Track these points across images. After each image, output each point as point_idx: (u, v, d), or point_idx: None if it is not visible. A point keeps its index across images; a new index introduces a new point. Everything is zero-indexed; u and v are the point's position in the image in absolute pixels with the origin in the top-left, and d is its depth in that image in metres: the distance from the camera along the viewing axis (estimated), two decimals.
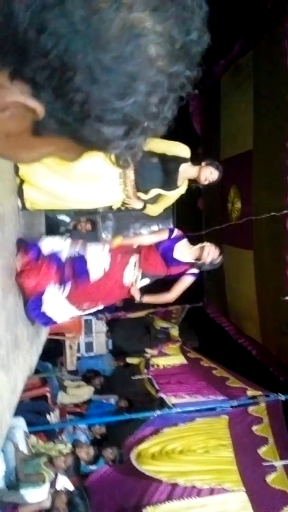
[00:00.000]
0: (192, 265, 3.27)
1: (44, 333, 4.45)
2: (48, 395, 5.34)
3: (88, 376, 6.24)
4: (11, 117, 0.46)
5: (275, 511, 3.45)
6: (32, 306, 3.09)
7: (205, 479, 3.63)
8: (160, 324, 7.57)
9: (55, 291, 3.06)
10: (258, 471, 3.79)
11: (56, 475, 3.67)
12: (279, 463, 3.90)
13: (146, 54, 0.43)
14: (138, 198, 3.19)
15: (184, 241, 3.29)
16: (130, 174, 3.09)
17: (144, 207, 3.27)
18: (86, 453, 4.22)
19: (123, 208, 3.37)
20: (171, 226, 7.80)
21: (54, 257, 3.14)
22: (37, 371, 4.74)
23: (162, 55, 0.45)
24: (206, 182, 3.23)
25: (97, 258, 3.15)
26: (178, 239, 3.27)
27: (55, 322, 3.38)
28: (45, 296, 3.07)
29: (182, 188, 3.26)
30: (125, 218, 7.59)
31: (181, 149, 3.15)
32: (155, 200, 3.29)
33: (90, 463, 4.22)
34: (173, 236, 3.28)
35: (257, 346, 6.13)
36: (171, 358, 6.38)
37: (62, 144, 0.50)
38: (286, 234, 4.76)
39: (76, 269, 3.11)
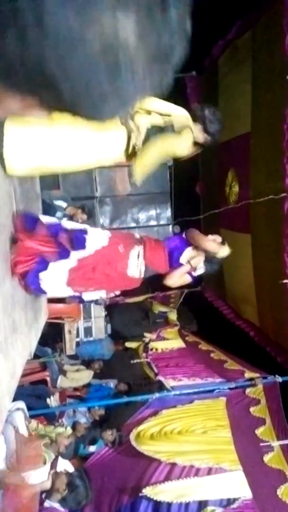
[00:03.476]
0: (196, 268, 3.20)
1: (42, 318, 4.47)
2: (48, 379, 5.39)
3: (87, 360, 6.30)
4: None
5: (272, 489, 3.52)
6: (31, 278, 2.98)
7: (203, 459, 3.68)
8: (158, 308, 7.61)
9: (58, 264, 2.96)
10: (256, 451, 3.85)
11: (56, 457, 3.73)
12: (276, 443, 3.96)
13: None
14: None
15: (191, 248, 3.15)
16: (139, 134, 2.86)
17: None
18: (84, 428, 4.29)
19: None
20: (169, 210, 7.78)
21: (52, 226, 3.05)
22: (36, 356, 4.78)
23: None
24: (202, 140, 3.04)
25: (97, 235, 3.06)
26: (186, 243, 3.15)
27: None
28: (43, 273, 2.96)
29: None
30: (123, 202, 7.55)
31: (187, 119, 2.99)
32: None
33: (89, 441, 4.29)
34: (184, 236, 3.18)
35: (254, 329, 6.17)
36: (169, 342, 6.42)
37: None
38: (284, 217, 4.75)
39: (74, 237, 2.99)
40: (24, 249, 2.91)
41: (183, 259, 3.12)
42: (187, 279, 3.25)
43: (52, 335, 5.90)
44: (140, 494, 3.46)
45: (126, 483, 3.69)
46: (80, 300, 3.55)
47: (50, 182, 5.97)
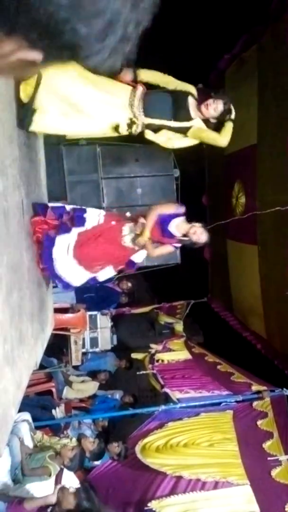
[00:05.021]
0: (179, 240, 3.59)
1: (49, 329, 4.47)
2: (54, 390, 5.37)
3: (93, 371, 6.27)
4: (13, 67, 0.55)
5: (280, 504, 3.46)
6: (45, 257, 3.42)
7: (209, 472, 3.64)
8: (164, 319, 7.58)
9: (62, 238, 3.44)
10: (263, 465, 3.80)
11: (61, 469, 3.70)
12: (283, 457, 3.90)
13: None
14: (143, 123, 3.33)
15: (182, 218, 3.57)
16: (139, 95, 3.24)
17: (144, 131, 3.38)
18: (91, 443, 4.23)
19: (127, 132, 3.37)
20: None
21: (57, 209, 3.61)
22: (42, 367, 4.77)
23: None
24: (210, 111, 3.30)
25: (95, 213, 3.56)
26: (177, 215, 3.57)
27: (66, 283, 3.63)
28: (55, 249, 3.41)
29: (197, 121, 3.35)
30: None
31: (192, 87, 3.36)
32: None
33: (95, 456, 4.24)
34: (179, 211, 3.61)
35: (261, 341, 6.13)
36: (175, 353, 6.38)
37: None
38: None
39: (75, 215, 3.50)
40: (38, 223, 3.43)
41: (172, 227, 3.55)
42: (171, 250, 3.77)
43: (58, 346, 5.90)
44: (146, 508, 3.42)
45: (131, 496, 3.65)
46: (95, 282, 3.85)
47: (58, 192, 6.01)
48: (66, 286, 3.72)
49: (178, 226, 3.53)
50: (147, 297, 8.11)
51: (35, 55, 0.54)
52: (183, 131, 3.38)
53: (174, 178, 7.33)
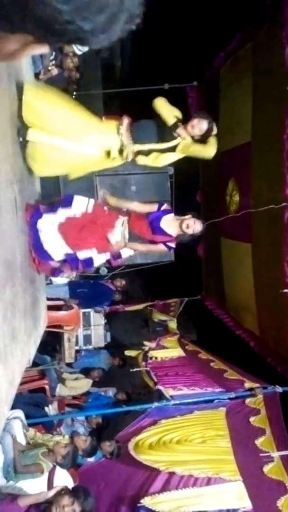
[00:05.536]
0: (176, 238, 3.67)
1: (42, 326, 4.46)
2: (47, 387, 5.36)
3: (86, 369, 6.27)
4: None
5: (272, 500, 3.48)
6: (32, 226, 3.53)
7: (202, 469, 3.65)
8: (158, 317, 7.58)
9: (49, 216, 3.56)
10: (255, 461, 3.82)
11: (54, 466, 3.69)
12: (275, 454, 3.93)
13: None
14: (133, 150, 3.58)
15: (171, 215, 3.68)
16: (125, 123, 3.51)
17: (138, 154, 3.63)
18: (83, 441, 4.23)
19: (120, 158, 3.64)
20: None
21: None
22: (35, 364, 4.75)
23: None
24: (195, 131, 3.53)
25: (83, 200, 3.67)
26: (166, 212, 3.66)
27: (49, 256, 3.69)
28: (40, 221, 3.53)
29: (183, 138, 3.56)
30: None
31: (176, 110, 3.59)
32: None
33: (88, 453, 4.24)
34: (162, 208, 3.69)
35: (255, 338, 6.15)
36: (169, 350, 6.39)
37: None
38: (284, 227, 4.76)
39: (63, 196, 3.76)
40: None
41: (163, 224, 3.64)
42: (164, 250, 3.84)
43: (51, 343, 5.88)
44: (139, 504, 3.43)
45: (123, 492, 3.65)
46: (74, 261, 3.85)
47: (51, 189, 5.98)
48: (46, 257, 3.75)
49: (168, 223, 3.61)
50: (141, 294, 8.11)
51: (43, 49, 0.56)
52: (172, 149, 3.62)
53: (168, 175, 7.32)
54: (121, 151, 3.55)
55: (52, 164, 3.62)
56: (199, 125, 3.54)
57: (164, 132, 3.55)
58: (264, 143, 5.23)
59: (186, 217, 3.63)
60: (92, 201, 3.72)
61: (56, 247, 3.61)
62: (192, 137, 3.60)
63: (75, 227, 3.58)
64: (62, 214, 3.60)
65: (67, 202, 3.64)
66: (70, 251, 3.64)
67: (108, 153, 3.56)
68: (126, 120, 3.54)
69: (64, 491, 3.22)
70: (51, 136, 3.43)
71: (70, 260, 3.72)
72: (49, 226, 3.56)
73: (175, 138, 3.56)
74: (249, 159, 5.62)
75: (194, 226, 3.57)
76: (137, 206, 3.80)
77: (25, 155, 3.49)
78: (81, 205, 3.63)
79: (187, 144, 3.59)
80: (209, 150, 3.67)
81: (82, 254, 3.69)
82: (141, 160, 3.69)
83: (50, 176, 4.26)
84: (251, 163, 5.60)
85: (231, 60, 6.07)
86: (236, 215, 5.98)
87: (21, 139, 3.42)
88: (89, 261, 3.75)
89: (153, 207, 3.73)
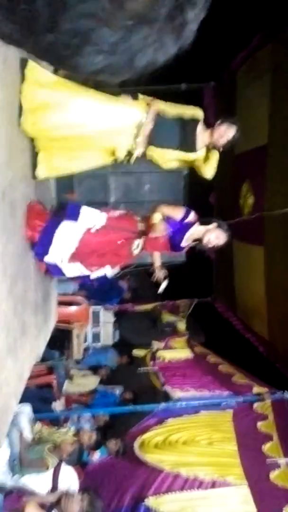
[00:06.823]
0: (192, 247, 3.30)
1: (52, 321, 4.47)
2: (54, 383, 5.37)
3: (94, 366, 6.28)
4: None
5: (278, 507, 3.44)
6: (38, 250, 3.16)
7: (207, 471, 3.62)
8: (167, 317, 7.57)
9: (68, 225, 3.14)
10: (262, 466, 3.77)
11: (59, 462, 3.69)
12: (282, 460, 3.88)
13: None
14: (146, 152, 3.18)
15: (195, 226, 3.19)
16: (147, 126, 3.06)
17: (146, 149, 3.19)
18: (88, 437, 4.23)
19: (125, 161, 3.28)
20: None
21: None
22: (43, 359, 4.77)
23: None
24: (222, 141, 3.14)
25: (92, 214, 3.21)
26: (191, 224, 3.17)
27: (61, 272, 3.37)
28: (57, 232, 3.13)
29: (201, 152, 3.23)
30: (136, 209, 7.55)
31: (198, 111, 3.18)
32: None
33: (92, 448, 4.24)
34: (186, 220, 3.18)
35: (264, 343, 6.10)
36: (177, 351, 6.37)
37: None
38: None
39: (69, 208, 3.20)
40: (35, 215, 3.13)
41: (185, 241, 3.20)
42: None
43: (60, 339, 5.90)
44: (142, 503, 3.41)
45: (127, 488, 3.63)
46: (87, 280, 3.62)
47: (66, 185, 6.00)
48: (57, 273, 3.45)
49: (192, 236, 3.19)
50: (150, 294, 8.10)
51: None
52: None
53: (182, 175, 7.30)
54: (128, 154, 3.17)
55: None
56: (228, 133, 3.12)
57: (186, 140, 3.13)
58: (280, 146, 5.17)
59: (210, 227, 3.15)
60: (103, 215, 3.22)
61: (70, 268, 3.30)
62: (207, 146, 3.21)
63: (92, 253, 3.22)
64: (83, 227, 3.15)
65: (73, 215, 3.15)
66: (84, 271, 3.33)
67: (113, 153, 3.18)
68: (149, 126, 3.06)
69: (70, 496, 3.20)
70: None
71: (84, 277, 3.48)
72: (64, 241, 3.15)
73: (195, 149, 3.15)
74: (264, 162, 5.57)
75: (216, 241, 3.14)
76: (165, 209, 3.26)
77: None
78: (89, 218, 3.17)
79: (198, 159, 3.25)
80: (207, 170, 3.30)
81: (96, 273, 3.41)
82: (152, 152, 3.21)
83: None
84: (267, 166, 5.55)
85: (250, 61, 6.02)
86: (250, 217, 5.93)
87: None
88: (102, 277, 3.54)
89: (178, 213, 3.21)
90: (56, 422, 4.71)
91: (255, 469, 3.73)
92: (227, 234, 3.16)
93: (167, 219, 3.20)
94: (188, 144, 3.14)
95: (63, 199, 5.06)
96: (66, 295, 5.90)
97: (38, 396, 5.00)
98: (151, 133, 3.09)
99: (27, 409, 4.13)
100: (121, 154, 3.18)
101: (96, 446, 4.28)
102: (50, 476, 3.58)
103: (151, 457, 3.82)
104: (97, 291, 6.41)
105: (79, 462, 4.14)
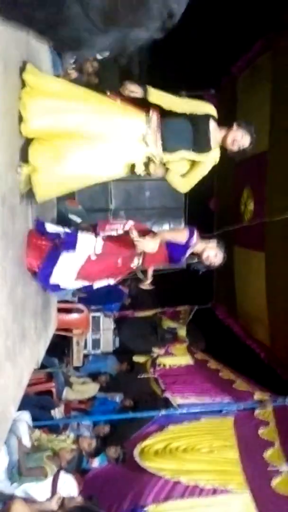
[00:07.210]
0: (187, 265, 3.19)
1: (52, 328, 4.44)
2: (54, 390, 5.34)
3: (94, 373, 6.24)
4: None
5: None
6: (42, 277, 3.05)
7: (208, 479, 3.59)
8: (167, 324, 7.54)
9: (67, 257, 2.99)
10: (263, 474, 3.74)
11: (58, 470, 3.65)
12: (284, 468, 3.85)
13: None
14: (161, 161, 2.84)
15: (197, 244, 3.05)
16: (157, 133, 2.78)
17: (167, 170, 2.89)
18: (88, 444, 4.20)
19: (143, 174, 2.91)
20: (183, 225, 7.76)
21: (54, 235, 3.11)
22: (43, 366, 4.74)
23: None
24: (234, 147, 2.84)
25: (89, 240, 3.03)
26: (192, 246, 3.03)
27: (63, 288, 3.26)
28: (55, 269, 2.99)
29: (215, 153, 2.90)
30: (136, 216, 7.57)
31: (211, 107, 2.88)
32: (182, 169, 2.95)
33: (92, 455, 4.21)
34: (192, 242, 3.02)
35: (265, 349, 6.07)
36: (177, 358, 6.35)
37: None
38: None
39: (65, 239, 3.03)
40: (34, 246, 3.00)
41: (185, 257, 3.06)
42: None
43: (59, 346, 5.87)
44: (142, 511, 3.37)
45: (126, 496, 3.59)
46: (89, 289, 3.51)
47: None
48: (56, 289, 3.34)
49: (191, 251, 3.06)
50: (150, 300, 8.08)
51: None
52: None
53: None
54: (147, 164, 2.85)
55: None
56: (243, 141, 2.84)
57: (200, 139, 2.83)
58: (281, 153, 5.19)
59: (210, 245, 3.03)
60: (99, 241, 3.04)
61: (72, 283, 3.19)
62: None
63: (94, 278, 3.13)
64: (84, 255, 3.00)
65: (70, 244, 2.99)
66: (86, 284, 3.21)
67: (133, 167, 2.88)
68: (154, 119, 2.78)
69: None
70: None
71: (85, 287, 3.34)
72: (66, 270, 3.01)
73: (210, 149, 2.84)
74: (265, 169, 5.59)
75: (214, 259, 3.02)
76: (168, 234, 3.11)
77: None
78: (87, 246, 3.01)
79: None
80: (183, 183, 2.99)
81: (98, 284, 3.27)
82: (175, 179, 2.94)
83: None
84: (267, 173, 5.56)
85: (250, 68, 6.06)
86: (251, 224, 5.94)
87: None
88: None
89: (182, 236, 3.01)
90: (55, 429, 4.68)
91: (257, 477, 3.69)
92: (224, 255, 3.04)
93: (171, 245, 3.03)
94: (201, 143, 2.84)
95: (64, 206, 5.06)
96: (66, 302, 5.88)
97: (37, 403, 4.97)
98: (163, 137, 2.80)
99: (26, 416, 4.10)
100: (139, 170, 2.89)
101: (96, 453, 4.24)
102: (49, 484, 3.54)
103: (151, 465, 3.80)
104: (96, 293, 6.37)
105: (79, 469, 4.10)
